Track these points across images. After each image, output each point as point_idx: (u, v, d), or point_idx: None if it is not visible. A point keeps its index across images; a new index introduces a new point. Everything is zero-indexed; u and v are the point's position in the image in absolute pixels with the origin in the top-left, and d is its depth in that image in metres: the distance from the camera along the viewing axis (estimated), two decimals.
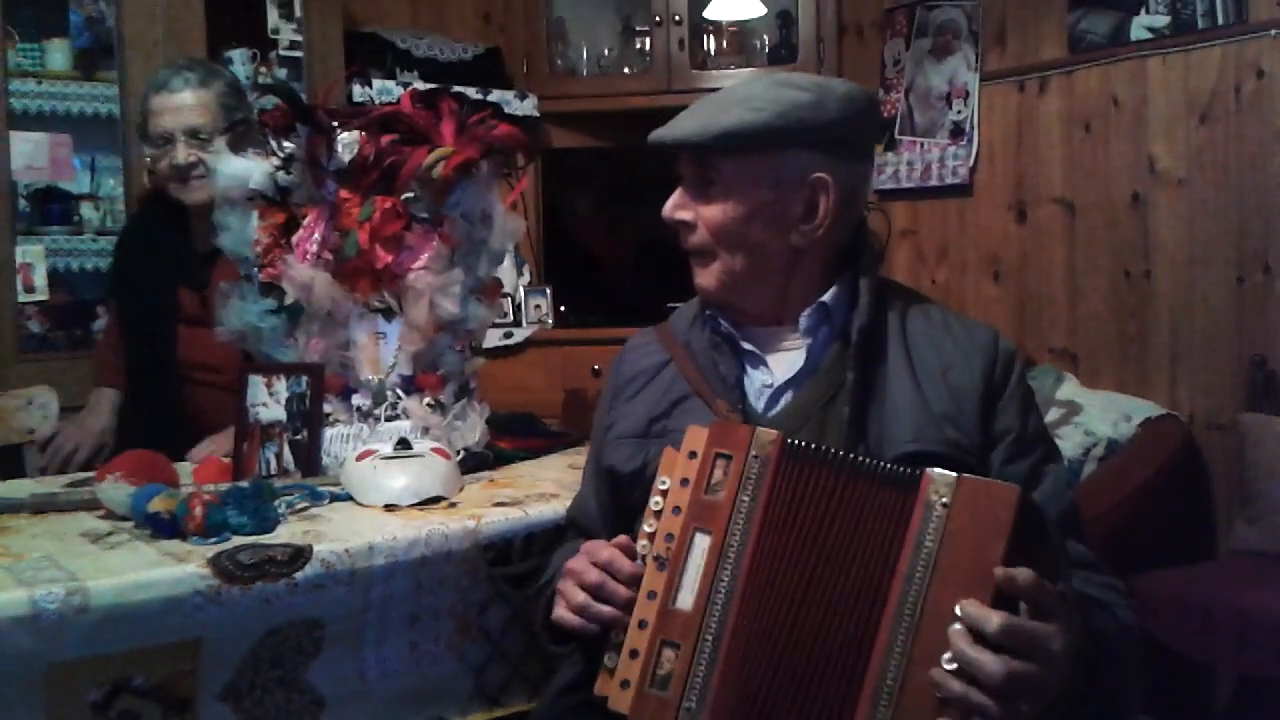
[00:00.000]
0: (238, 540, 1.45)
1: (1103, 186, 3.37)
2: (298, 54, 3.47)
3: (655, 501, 1.22)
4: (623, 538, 1.24)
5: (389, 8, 4.07)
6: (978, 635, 1.05)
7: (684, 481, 1.21)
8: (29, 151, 3.08)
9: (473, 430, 1.94)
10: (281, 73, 3.41)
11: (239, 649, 1.38)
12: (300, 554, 1.41)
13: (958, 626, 1.06)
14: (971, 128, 3.71)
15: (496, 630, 1.62)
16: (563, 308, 4.08)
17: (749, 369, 1.43)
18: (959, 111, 3.74)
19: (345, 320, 1.87)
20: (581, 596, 1.22)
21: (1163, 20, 3.16)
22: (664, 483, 1.23)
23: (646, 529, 1.22)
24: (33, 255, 3.11)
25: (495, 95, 3.69)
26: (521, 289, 4.07)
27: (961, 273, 3.83)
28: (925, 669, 1.06)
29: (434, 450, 1.77)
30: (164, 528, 1.47)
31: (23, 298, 3.07)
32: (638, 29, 4.17)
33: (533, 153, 2.14)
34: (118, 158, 3.29)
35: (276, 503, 1.57)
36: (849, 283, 1.41)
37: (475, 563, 1.58)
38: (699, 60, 4.09)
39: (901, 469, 1.15)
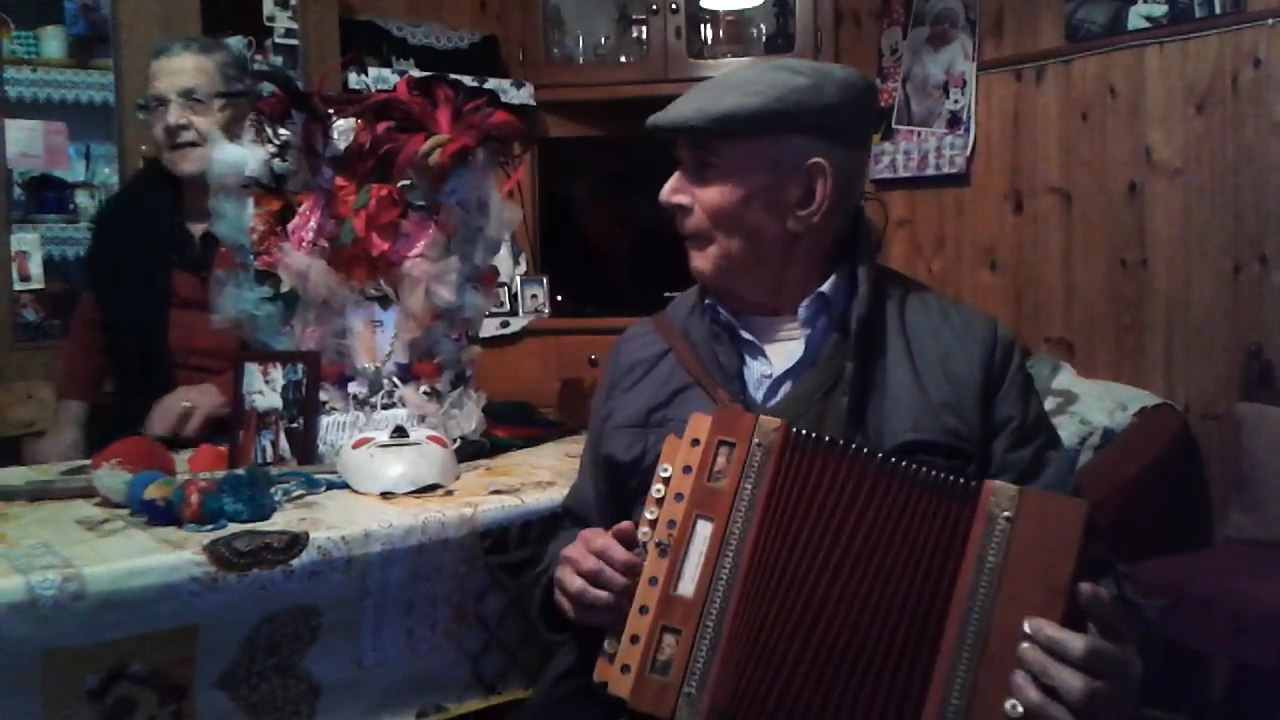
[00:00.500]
0: (234, 527, 1.44)
1: (1099, 176, 3.37)
2: (293, 42, 3.46)
3: (657, 489, 1.22)
4: (625, 524, 1.24)
5: None
6: (1058, 656, 1.04)
7: (686, 469, 1.21)
8: (24, 139, 3.08)
9: (469, 418, 1.94)
10: (277, 60, 3.40)
11: (235, 636, 1.38)
12: (296, 541, 1.41)
13: (1027, 645, 1.05)
14: (968, 117, 3.71)
15: (493, 618, 1.62)
16: (559, 297, 4.08)
17: (748, 359, 1.42)
18: (956, 101, 3.74)
19: (341, 308, 1.87)
20: (578, 583, 1.22)
21: (1160, 9, 3.16)
22: (666, 470, 1.23)
23: (648, 516, 1.22)
24: (28, 243, 3.11)
25: (491, 84, 3.69)
26: (518, 278, 4.07)
27: (958, 262, 3.83)
28: (993, 687, 1.06)
29: (430, 438, 1.76)
30: (160, 515, 1.47)
31: (18, 286, 3.07)
32: (634, 17, 4.16)
33: (529, 141, 2.13)
34: (113, 146, 3.28)
35: (273, 490, 1.57)
36: (847, 272, 1.41)
37: (472, 550, 1.58)
38: (696, 49, 4.08)
39: (952, 478, 1.15)
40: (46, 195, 3.29)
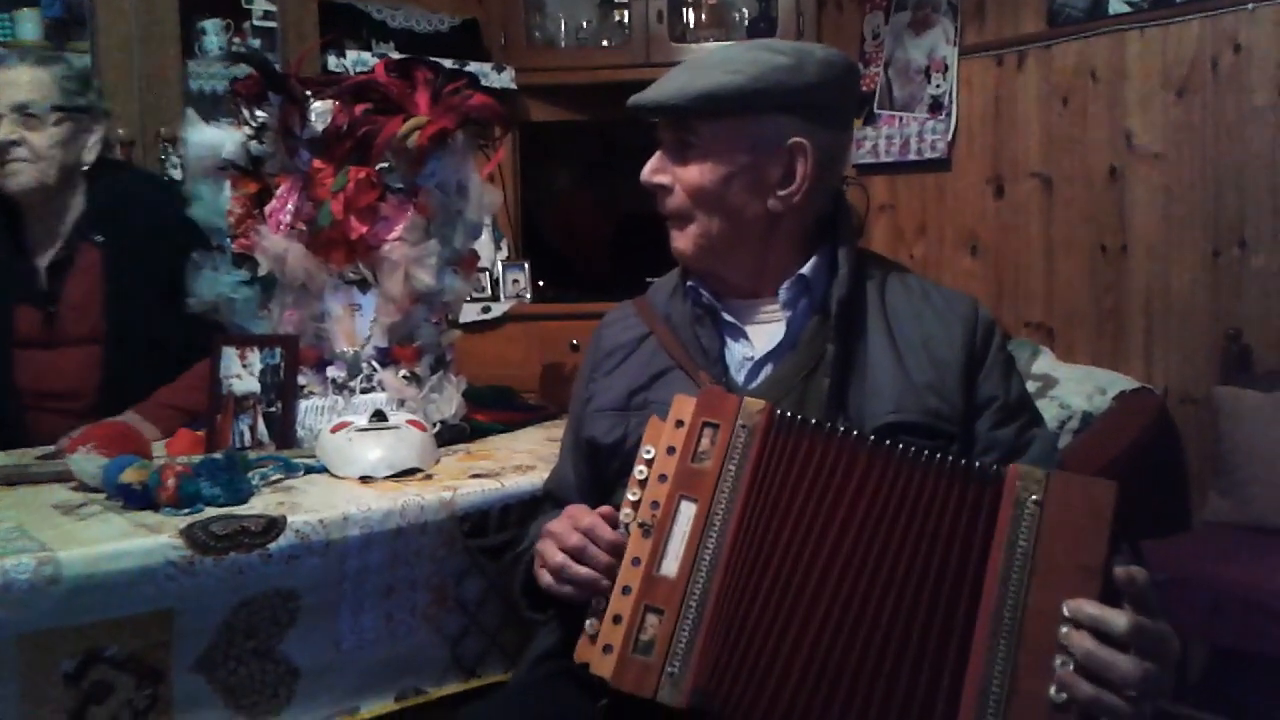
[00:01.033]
0: (211, 511, 1.44)
1: (1080, 161, 3.38)
2: (272, 24, 3.44)
3: (640, 470, 1.22)
4: (606, 508, 1.24)
5: None
6: (1102, 636, 1.03)
7: (670, 450, 1.21)
8: None
9: (449, 403, 1.94)
10: (255, 43, 3.37)
11: (212, 620, 1.38)
12: (274, 525, 1.40)
13: (1066, 629, 1.05)
14: (950, 102, 3.71)
15: (473, 601, 1.62)
16: (541, 282, 4.07)
17: (729, 341, 1.42)
18: (938, 85, 3.74)
19: (320, 292, 1.86)
20: (560, 557, 1.22)
21: None
22: (649, 451, 1.22)
23: (631, 497, 1.21)
24: None
25: (472, 67, 3.66)
26: (499, 263, 4.06)
27: (939, 247, 3.83)
28: (1034, 673, 1.05)
29: (410, 422, 1.76)
30: (136, 499, 1.46)
31: None
32: (616, 1, 4.15)
33: (509, 124, 2.12)
34: None
35: (250, 474, 1.56)
36: (828, 254, 1.41)
37: (451, 534, 1.58)
38: (678, 33, 4.07)
39: (974, 464, 1.14)
40: None
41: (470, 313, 3.88)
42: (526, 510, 1.62)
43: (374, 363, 1.87)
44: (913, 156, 3.83)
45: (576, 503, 1.41)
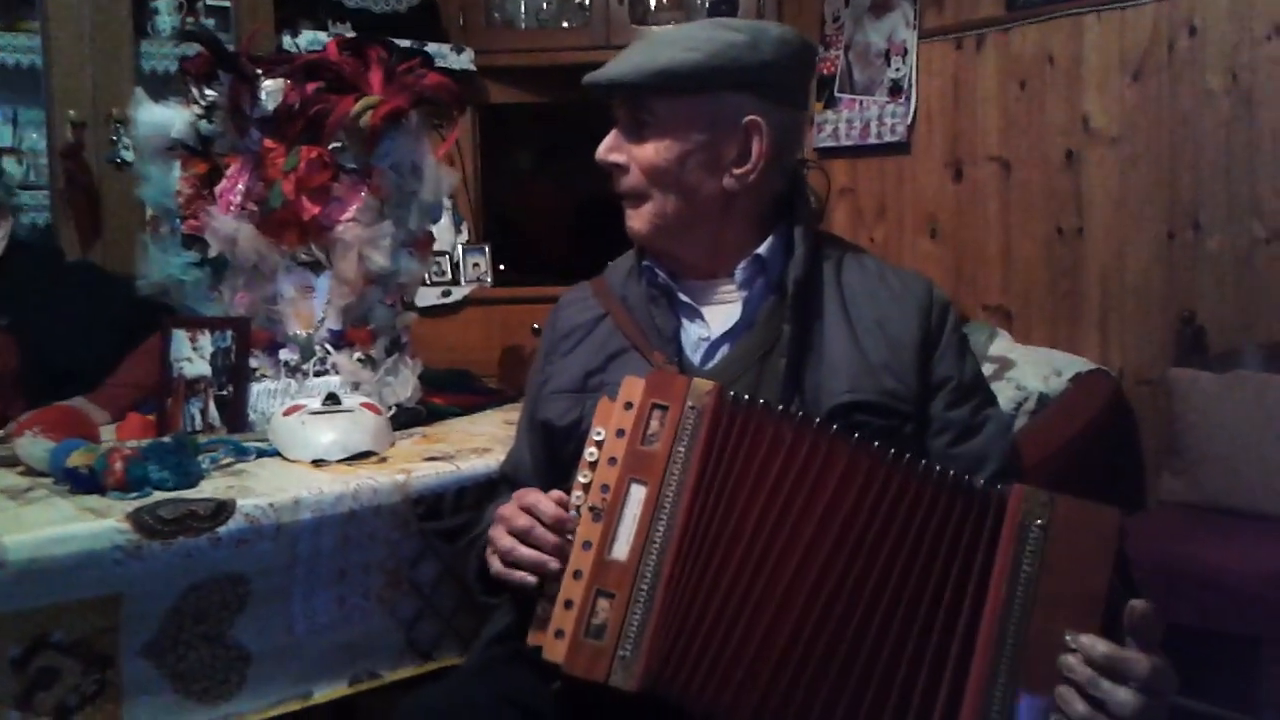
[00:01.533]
0: (159, 495, 1.42)
1: (1037, 144, 3.40)
2: (225, 4, 3.38)
3: (590, 452, 1.21)
4: (556, 492, 1.23)
5: None
6: (1110, 673, 1.03)
7: (620, 432, 1.20)
8: None
9: (405, 386, 1.92)
10: (209, 23, 3.32)
11: (161, 604, 1.36)
12: (223, 509, 1.39)
13: (1073, 659, 1.04)
14: (910, 85, 3.71)
15: (428, 585, 1.61)
16: (502, 266, 4.04)
17: (685, 322, 1.42)
18: (897, 69, 3.74)
19: (272, 273, 1.84)
20: (508, 541, 1.21)
21: None
22: (599, 434, 1.22)
23: (581, 480, 1.21)
24: None
25: (431, 48, 3.62)
26: (459, 247, 4.02)
27: (899, 231, 3.84)
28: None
29: (364, 405, 1.74)
30: (83, 483, 1.44)
31: None
32: None
33: (464, 103, 2.10)
34: (40, 110, 3.20)
35: (200, 458, 1.54)
36: (784, 234, 1.41)
37: (405, 517, 1.57)
38: (639, 14, 4.04)
39: (978, 481, 1.14)
40: None
41: (430, 297, 3.85)
42: (482, 493, 1.61)
43: (327, 345, 1.85)
44: (873, 140, 3.84)
45: (533, 485, 1.40)
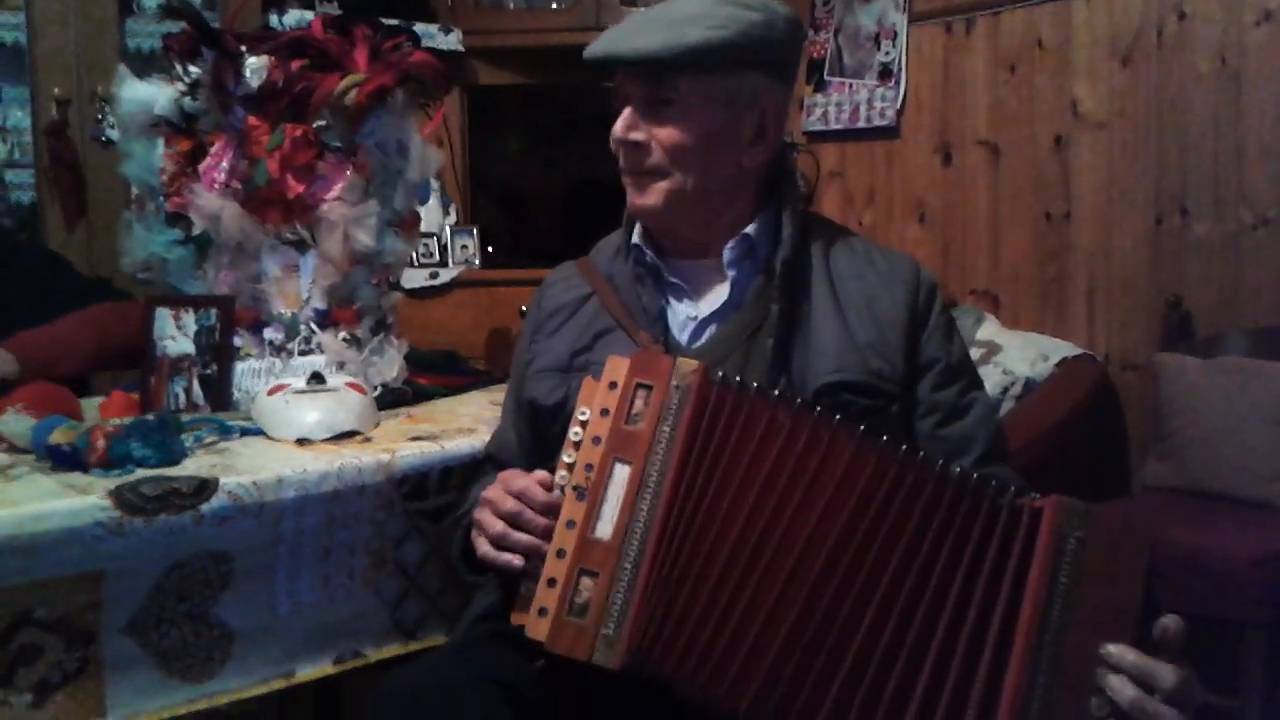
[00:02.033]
0: (141, 473, 1.41)
1: (1026, 129, 3.40)
2: None
3: (575, 432, 1.21)
4: (542, 473, 1.23)
5: None
6: (1147, 686, 1.03)
7: (604, 412, 1.20)
8: None
9: (390, 366, 1.91)
10: (196, 1, 3.30)
11: (143, 582, 1.35)
12: (205, 486, 1.38)
13: (1109, 672, 1.04)
14: (899, 69, 3.71)
15: (413, 564, 1.61)
16: (490, 248, 4.03)
17: (673, 301, 1.42)
18: (887, 53, 3.74)
19: (256, 252, 1.83)
20: (499, 526, 1.21)
21: None
22: (584, 413, 1.21)
23: (566, 459, 1.21)
24: None
25: (418, 28, 3.60)
26: (448, 229, 4.02)
27: (888, 215, 3.85)
28: (1071, 711, 1.04)
29: (349, 385, 1.73)
30: (65, 460, 1.43)
31: None
32: None
33: (451, 82, 2.09)
34: (25, 88, 3.18)
35: (183, 436, 1.53)
36: (772, 215, 1.41)
37: (390, 497, 1.56)
38: None
39: (1011, 487, 1.12)
40: None
41: (417, 278, 3.84)
42: (467, 473, 1.61)
43: (313, 325, 1.84)
44: (862, 124, 3.84)
45: (518, 464, 1.40)
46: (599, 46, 1.35)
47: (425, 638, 1.63)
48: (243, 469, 1.45)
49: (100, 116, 3.15)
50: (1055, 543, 1.07)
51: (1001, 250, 3.49)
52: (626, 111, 1.37)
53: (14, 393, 1.64)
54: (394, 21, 3.27)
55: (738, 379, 1.19)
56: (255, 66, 1.78)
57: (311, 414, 1.64)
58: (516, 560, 1.19)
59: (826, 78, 3.90)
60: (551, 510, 1.19)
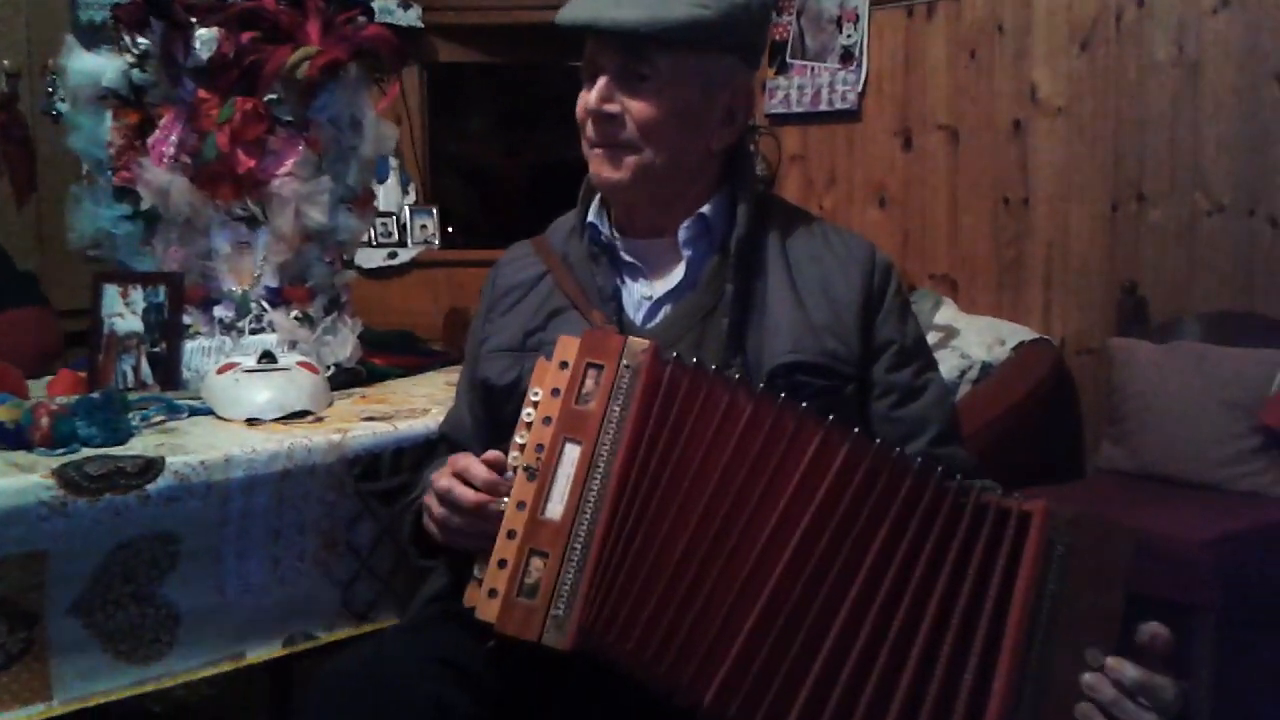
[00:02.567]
0: (86, 452, 1.39)
1: (985, 114, 3.41)
2: None
3: (527, 412, 1.20)
4: (492, 452, 1.22)
5: None
6: (1133, 694, 1.02)
7: (555, 392, 1.19)
8: None
9: (343, 345, 1.89)
10: None
11: (89, 562, 1.34)
12: (151, 466, 1.36)
13: (1093, 678, 1.03)
14: (861, 53, 3.71)
15: (365, 546, 1.59)
16: (450, 228, 4.01)
17: (628, 280, 1.40)
18: (849, 36, 3.74)
19: (206, 228, 1.80)
20: (441, 510, 1.20)
21: None
22: (535, 393, 1.20)
23: (518, 440, 1.19)
24: None
25: (377, 3, 3.57)
26: (407, 208, 3.99)
27: (849, 199, 3.85)
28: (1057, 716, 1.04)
29: (300, 364, 1.72)
30: (8, 438, 1.41)
31: None
32: None
33: (405, 57, 2.06)
34: None
35: (131, 415, 1.51)
36: (728, 195, 1.40)
37: (341, 478, 1.55)
38: None
39: (994, 491, 1.12)
40: None
41: (376, 258, 3.82)
42: (421, 454, 1.60)
43: (264, 303, 1.81)
44: (824, 107, 3.84)
45: (473, 445, 1.39)
46: (577, 12, 1.31)
47: (377, 619, 1.62)
48: (191, 448, 1.44)
49: (51, 90, 3.08)
50: (1043, 549, 1.06)
51: (960, 235, 3.51)
52: (602, 82, 1.34)
53: None
54: None
55: (694, 360, 1.18)
56: (205, 38, 1.74)
57: (262, 393, 1.62)
58: (464, 542, 1.19)
59: (789, 60, 3.89)
60: (492, 488, 1.18)
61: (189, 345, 1.79)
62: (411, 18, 3.83)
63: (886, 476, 1.10)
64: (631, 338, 1.19)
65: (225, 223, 1.80)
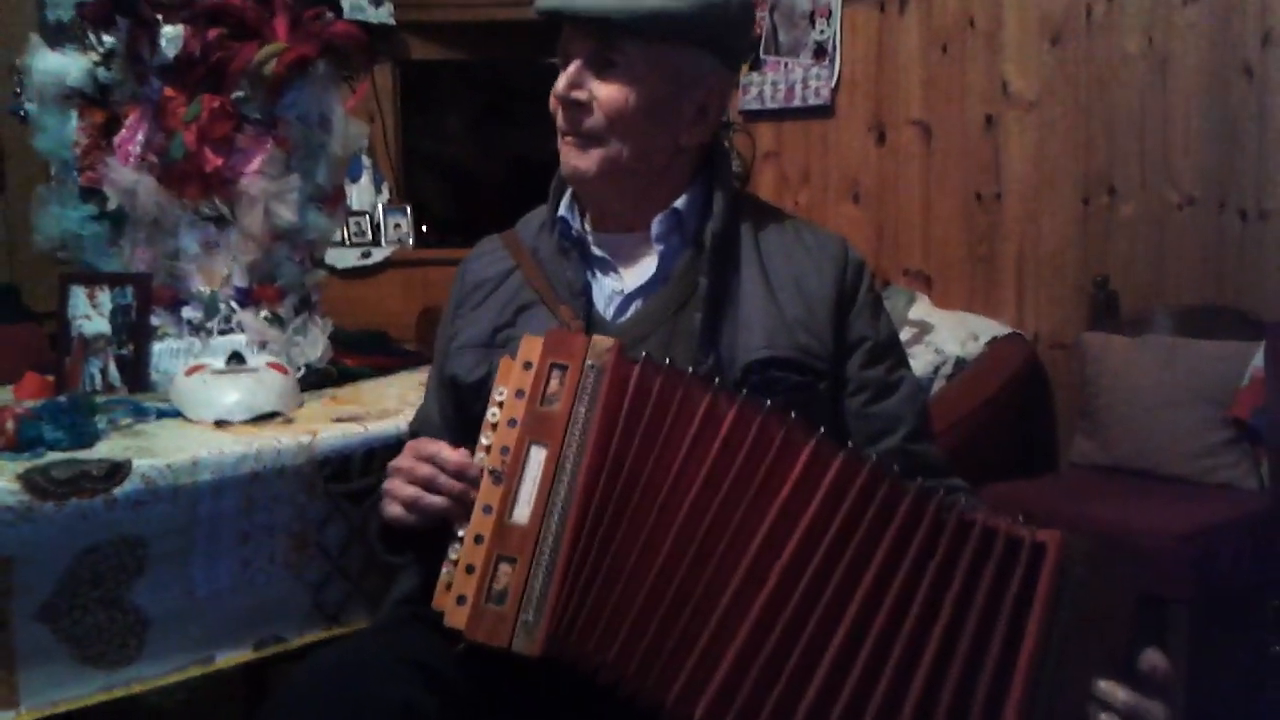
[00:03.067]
0: (52, 455, 1.38)
1: (958, 109, 3.42)
2: None
3: (492, 413, 1.18)
4: (462, 450, 1.21)
5: None
6: (1122, 716, 1.02)
7: (519, 393, 1.17)
8: None
9: (314, 346, 1.88)
10: None
11: (55, 567, 1.32)
12: (118, 469, 1.35)
13: (1094, 707, 1.02)
14: (834, 48, 3.71)
15: (335, 548, 1.58)
16: (424, 227, 3.99)
17: (599, 275, 1.40)
18: (822, 31, 3.74)
19: (173, 228, 1.78)
20: (411, 490, 1.19)
21: None
22: (500, 394, 1.18)
23: (484, 441, 1.18)
24: None
25: (348, 0, 3.55)
26: (380, 207, 3.96)
27: (823, 195, 3.86)
28: None
29: (270, 365, 1.70)
30: None
31: None
32: None
33: (375, 54, 2.05)
34: None
35: (97, 418, 1.49)
36: (702, 190, 1.39)
37: (311, 479, 1.53)
38: None
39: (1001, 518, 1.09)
40: None
41: (349, 258, 3.79)
42: (391, 454, 1.56)
43: (233, 303, 1.80)
44: (798, 103, 3.84)
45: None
46: None
47: (348, 622, 1.60)
48: (158, 451, 1.42)
49: (18, 90, 3.05)
50: (1057, 580, 1.04)
51: (933, 230, 3.52)
52: (572, 67, 1.34)
53: None
54: None
55: (667, 360, 1.17)
56: (171, 35, 1.73)
57: (230, 395, 1.60)
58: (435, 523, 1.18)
59: (762, 56, 3.89)
60: (464, 473, 1.17)
61: (157, 347, 1.77)
62: (383, 15, 3.80)
63: (883, 495, 1.07)
64: (596, 336, 1.18)
65: (193, 222, 1.78)
